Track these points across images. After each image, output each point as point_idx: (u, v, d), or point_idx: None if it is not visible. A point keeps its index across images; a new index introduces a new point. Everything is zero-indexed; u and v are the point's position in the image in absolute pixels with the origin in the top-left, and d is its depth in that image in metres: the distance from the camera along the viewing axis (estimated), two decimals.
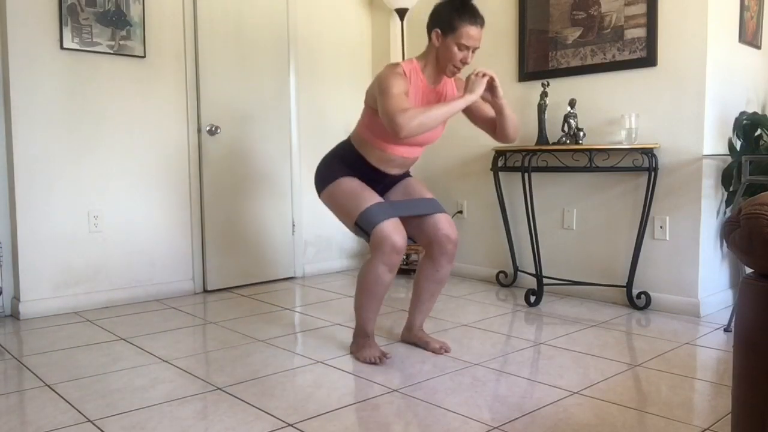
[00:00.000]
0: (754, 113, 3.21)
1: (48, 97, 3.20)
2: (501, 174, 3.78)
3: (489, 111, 2.50)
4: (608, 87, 3.39)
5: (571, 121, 3.35)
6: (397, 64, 2.38)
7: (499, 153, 3.68)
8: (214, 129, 3.75)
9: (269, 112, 4.03)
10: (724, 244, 2.57)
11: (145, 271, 3.58)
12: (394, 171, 2.55)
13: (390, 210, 2.41)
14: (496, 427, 1.86)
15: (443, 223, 2.52)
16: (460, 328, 2.96)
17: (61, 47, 3.22)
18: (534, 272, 3.44)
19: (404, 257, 4.40)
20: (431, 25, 2.39)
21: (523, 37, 3.72)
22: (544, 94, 3.46)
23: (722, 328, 2.90)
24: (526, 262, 3.80)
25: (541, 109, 3.47)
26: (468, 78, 2.34)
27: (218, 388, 2.19)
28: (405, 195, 2.59)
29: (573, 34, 3.50)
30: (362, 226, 2.37)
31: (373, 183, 2.52)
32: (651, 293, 3.25)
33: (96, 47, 3.32)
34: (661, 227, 3.24)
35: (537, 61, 3.68)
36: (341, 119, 4.46)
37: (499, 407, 2.01)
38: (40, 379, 2.29)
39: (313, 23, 4.27)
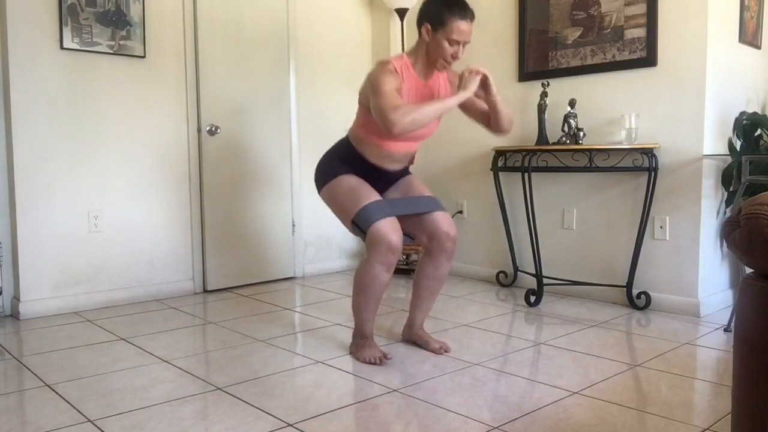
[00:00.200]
0: (754, 113, 3.21)
1: (48, 97, 3.20)
2: (501, 174, 3.78)
3: (483, 105, 2.50)
4: (608, 87, 3.39)
5: (571, 121, 3.35)
6: (387, 61, 2.36)
7: (499, 153, 3.68)
8: (214, 129, 3.75)
9: (269, 112, 4.03)
10: (724, 244, 2.57)
11: (145, 271, 3.58)
12: (393, 167, 2.55)
13: (387, 208, 2.41)
14: (496, 427, 1.86)
15: (442, 221, 2.52)
16: (460, 328, 2.96)
17: (61, 47, 3.22)
18: (534, 272, 3.44)
19: (404, 257, 4.40)
20: (421, 20, 2.37)
21: (523, 37, 3.72)
22: (544, 94, 3.46)
23: (722, 328, 2.90)
24: (526, 262, 3.80)
25: (541, 109, 3.47)
26: (461, 75, 2.34)
27: (218, 388, 2.19)
28: (404, 193, 2.59)
29: (573, 34, 3.50)
30: (359, 224, 2.37)
31: (372, 180, 2.52)
32: (651, 293, 3.25)
33: (96, 47, 3.32)
34: (661, 227, 3.24)
35: (537, 61, 3.68)
36: (341, 119, 4.46)
37: (499, 407, 2.01)
38: (40, 379, 2.29)
39: (313, 23, 4.27)
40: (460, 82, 2.32)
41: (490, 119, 2.50)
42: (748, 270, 1.27)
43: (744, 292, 1.24)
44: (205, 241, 3.78)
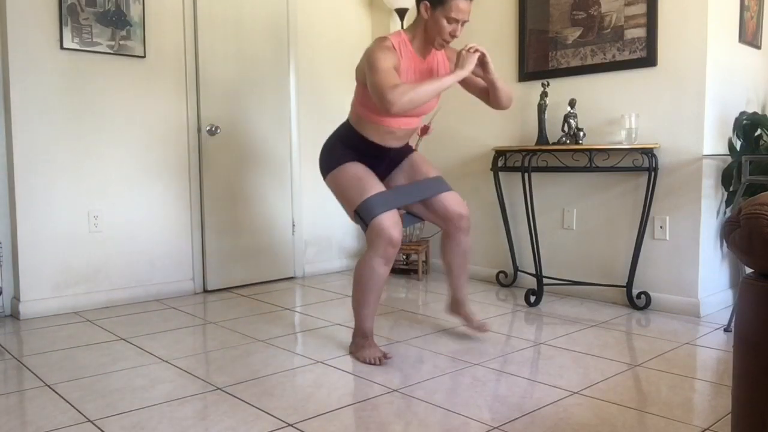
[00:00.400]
0: (754, 113, 3.21)
1: (48, 97, 3.20)
2: (501, 174, 3.78)
3: (479, 82, 2.53)
4: (608, 87, 3.39)
5: (571, 121, 3.35)
6: (385, 38, 2.36)
7: (499, 153, 3.68)
8: (214, 129, 3.75)
9: (269, 112, 4.03)
10: (724, 244, 2.57)
11: (145, 271, 3.58)
12: (394, 143, 2.55)
13: (391, 201, 2.43)
14: (496, 427, 1.86)
15: (452, 202, 2.58)
16: (460, 328, 2.95)
17: (61, 47, 3.22)
18: (534, 272, 3.44)
19: (404, 257, 4.40)
20: None
21: (523, 37, 3.72)
22: (544, 94, 3.46)
23: (722, 328, 2.90)
24: (526, 262, 3.80)
25: (541, 109, 3.47)
26: (459, 53, 2.34)
27: (218, 388, 2.19)
28: (409, 177, 2.61)
29: (573, 34, 3.50)
30: (362, 215, 2.39)
31: (377, 161, 2.54)
32: (651, 293, 3.25)
33: (96, 47, 3.32)
34: (661, 227, 3.24)
35: (537, 61, 3.67)
36: (341, 119, 4.44)
37: (499, 407, 2.01)
38: (40, 379, 2.29)
39: (313, 23, 4.27)
40: (458, 61, 2.32)
41: (488, 96, 2.53)
42: (748, 270, 1.27)
43: (744, 292, 1.24)
44: (205, 241, 3.78)
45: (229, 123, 3.83)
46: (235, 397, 2.11)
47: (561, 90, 3.54)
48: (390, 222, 2.36)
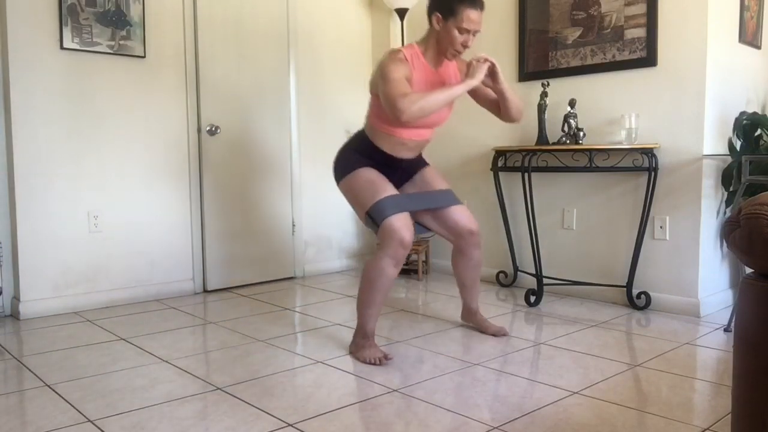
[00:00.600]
0: (754, 113, 3.21)
1: (48, 97, 3.20)
2: (501, 174, 3.78)
3: (489, 93, 2.56)
4: (608, 87, 3.39)
5: (571, 121, 3.35)
6: (398, 50, 2.40)
7: (499, 153, 3.68)
8: (214, 129, 3.75)
9: (269, 112, 4.03)
10: (724, 244, 2.57)
11: (145, 271, 3.58)
12: (407, 155, 2.59)
13: (403, 204, 2.46)
14: (496, 427, 1.86)
15: (462, 217, 2.63)
16: (460, 328, 2.96)
17: (61, 47, 3.22)
18: (534, 272, 3.44)
19: None
20: (431, 9, 2.42)
21: (523, 37, 3.72)
22: (544, 94, 3.46)
23: (722, 328, 2.90)
24: (526, 262, 3.80)
25: (541, 109, 3.47)
26: (469, 63, 2.38)
27: (218, 388, 2.19)
28: (421, 187, 2.65)
29: (573, 34, 3.50)
30: (373, 216, 2.41)
31: (389, 171, 2.56)
32: (651, 293, 3.25)
33: (96, 47, 3.32)
34: (661, 227, 3.24)
35: (537, 61, 3.67)
36: (341, 119, 4.46)
37: (499, 407, 2.01)
38: (40, 379, 2.29)
39: (313, 23, 4.27)
40: (468, 70, 2.37)
41: (498, 107, 2.56)
42: (748, 270, 1.27)
43: (744, 292, 1.24)
44: (205, 241, 3.78)
45: (229, 123, 3.83)
46: (235, 397, 2.11)
47: (561, 90, 3.54)
48: (401, 223, 2.38)
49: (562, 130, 3.38)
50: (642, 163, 3.21)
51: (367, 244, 4.65)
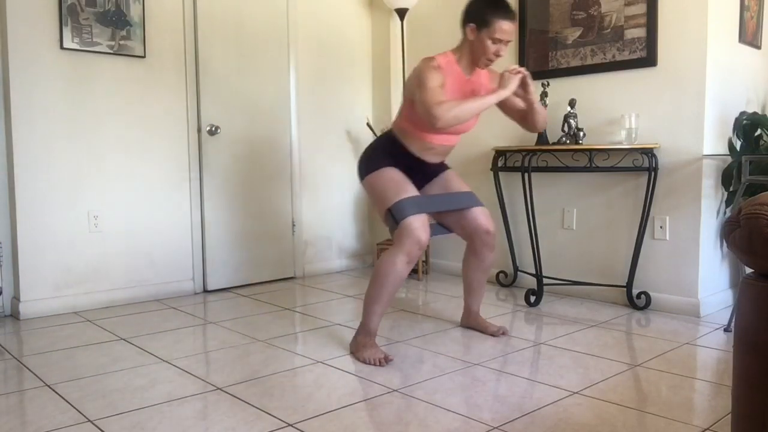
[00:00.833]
0: (754, 113, 3.21)
1: (48, 97, 3.20)
2: (501, 174, 3.78)
3: (518, 103, 2.63)
4: (608, 87, 3.39)
5: (571, 121, 3.35)
6: (432, 58, 2.50)
7: (499, 153, 3.68)
8: (214, 129, 3.75)
9: (269, 112, 4.03)
10: (724, 244, 2.57)
11: (145, 271, 3.58)
12: (433, 159, 2.68)
13: (423, 205, 2.54)
14: (496, 427, 1.86)
15: (481, 217, 2.70)
16: (460, 328, 2.96)
17: (61, 47, 3.22)
18: (534, 272, 3.44)
19: None
20: (466, 20, 2.52)
21: (523, 37, 3.72)
22: (544, 94, 3.46)
23: (722, 328, 2.90)
24: (526, 262, 3.80)
25: None
26: (502, 74, 2.47)
27: (218, 388, 2.19)
28: (443, 189, 2.72)
29: (573, 34, 3.50)
30: (394, 213, 2.48)
31: (413, 172, 2.64)
32: (651, 293, 3.25)
33: (96, 47, 3.32)
34: (661, 227, 3.24)
35: (537, 61, 3.67)
36: (341, 119, 4.47)
37: (499, 407, 2.01)
38: (40, 379, 2.29)
39: (313, 23, 4.27)
40: (501, 82, 2.46)
41: (525, 117, 2.65)
42: (748, 270, 1.27)
43: (744, 292, 1.24)
44: (205, 241, 3.78)
45: (229, 123, 3.83)
46: (235, 397, 2.11)
47: (561, 90, 3.54)
48: (419, 223, 2.45)
49: (562, 130, 3.38)
50: (642, 163, 3.21)
51: (367, 244, 4.65)
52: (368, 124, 4.43)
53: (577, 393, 2.12)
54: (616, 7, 3.31)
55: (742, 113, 3.20)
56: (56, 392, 2.16)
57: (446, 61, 2.52)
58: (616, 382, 2.23)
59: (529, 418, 1.92)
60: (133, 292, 3.52)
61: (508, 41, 2.48)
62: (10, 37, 3.08)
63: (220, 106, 3.78)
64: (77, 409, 2.01)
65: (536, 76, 3.65)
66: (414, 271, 4.24)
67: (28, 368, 2.42)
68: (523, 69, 2.47)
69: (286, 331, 2.94)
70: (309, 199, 4.29)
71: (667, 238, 3.22)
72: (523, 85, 2.49)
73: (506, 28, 2.43)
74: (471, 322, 2.91)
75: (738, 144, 3.21)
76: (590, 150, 3.22)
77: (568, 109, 3.36)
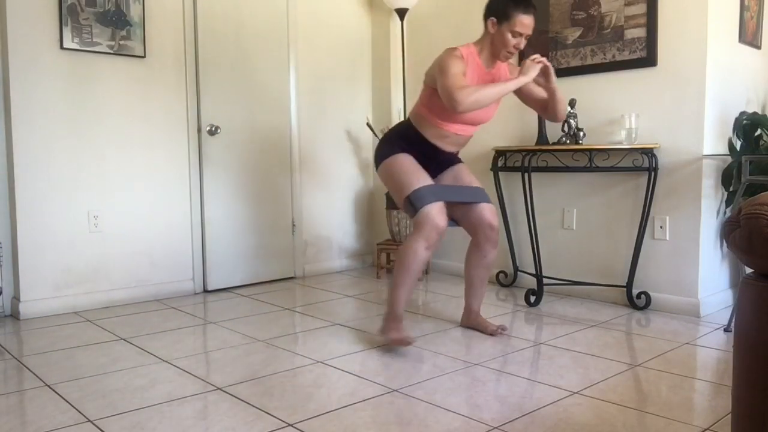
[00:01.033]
0: (754, 113, 3.21)
1: (48, 97, 3.20)
2: (501, 174, 3.78)
3: (539, 92, 2.71)
4: (608, 87, 3.39)
5: (571, 121, 3.35)
6: (455, 48, 2.57)
7: (499, 153, 3.68)
8: (214, 129, 3.75)
9: (269, 111, 4.03)
10: (724, 244, 2.57)
11: (145, 271, 3.58)
12: (448, 147, 2.75)
13: (440, 193, 2.62)
14: (496, 427, 1.86)
15: (487, 212, 2.75)
16: (460, 328, 2.96)
17: (61, 47, 3.22)
18: (534, 272, 3.44)
19: None
20: (487, 14, 2.60)
21: None
22: None
23: (722, 328, 2.90)
24: (526, 262, 3.80)
25: None
26: (523, 62, 2.56)
27: (218, 388, 2.19)
28: (455, 180, 2.79)
29: (573, 34, 3.50)
30: (413, 201, 2.57)
31: (427, 160, 2.71)
32: (651, 293, 3.25)
33: (96, 47, 3.32)
34: (661, 227, 3.24)
35: (537, 52, 3.66)
36: (341, 119, 4.47)
37: (499, 407, 2.01)
38: (40, 379, 2.29)
39: (313, 23, 4.27)
40: (522, 68, 2.54)
41: (545, 107, 2.72)
42: (748, 270, 1.27)
43: (744, 292, 1.24)
44: (205, 241, 3.78)
45: (229, 123, 3.83)
46: (235, 397, 2.11)
47: (561, 90, 3.53)
48: (437, 210, 2.54)
49: (562, 130, 3.38)
50: (642, 163, 3.21)
51: (367, 244, 4.65)
52: (368, 124, 4.43)
53: (577, 393, 2.12)
54: (616, 7, 3.31)
55: (742, 113, 3.20)
56: (56, 392, 2.16)
57: (468, 52, 2.59)
58: (616, 382, 2.23)
59: (529, 418, 1.92)
60: (133, 292, 3.52)
61: (528, 35, 2.56)
62: (10, 37, 3.08)
63: (220, 106, 3.78)
64: (77, 409, 2.01)
65: None
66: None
67: (28, 368, 2.42)
68: (544, 59, 2.55)
69: (286, 331, 2.94)
70: (309, 199, 4.28)
71: (667, 238, 3.22)
72: (545, 74, 2.57)
73: (526, 22, 2.52)
74: (471, 322, 2.92)
75: (738, 144, 3.21)
76: (590, 150, 3.22)
77: (568, 109, 3.36)
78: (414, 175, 2.62)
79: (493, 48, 2.61)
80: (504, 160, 3.70)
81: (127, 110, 3.46)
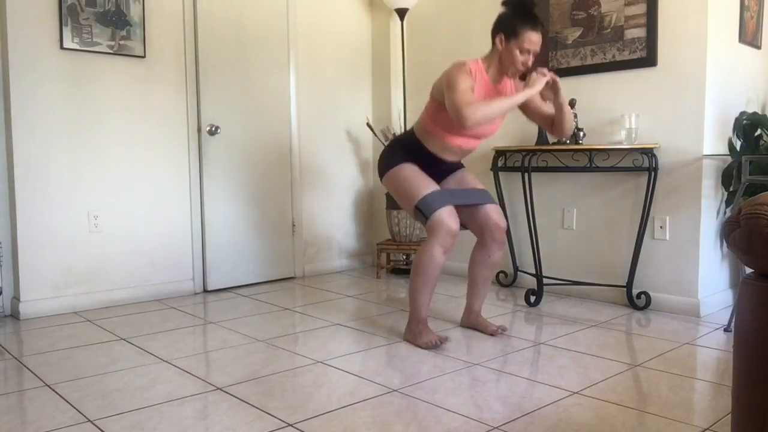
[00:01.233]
0: (754, 113, 3.21)
1: (48, 97, 3.20)
2: (501, 174, 3.78)
3: (546, 108, 2.72)
4: (608, 87, 3.39)
5: None
6: (464, 63, 2.57)
7: (499, 153, 3.68)
8: (214, 129, 3.75)
9: (269, 112, 4.03)
10: (724, 244, 2.57)
11: (145, 271, 3.58)
12: (451, 158, 2.77)
13: (447, 198, 2.66)
14: (496, 427, 1.86)
15: (493, 213, 2.78)
16: (460, 328, 2.96)
17: (61, 47, 3.22)
18: (534, 272, 3.44)
19: (404, 257, 4.40)
20: (495, 31, 2.61)
21: None
22: None
23: (722, 328, 2.90)
24: (526, 262, 3.80)
25: None
26: (530, 75, 2.56)
27: (218, 388, 2.19)
28: (459, 185, 2.81)
29: (573, 34, 3.50)
30: (422, 210, 2.60)
31: (430, 169, 2.74)
32: (651, 293, 3.25)
33: (96, 47, 3.32)
34: (661, 227, 3.24)
35: (537, 61, 3.66)
36: (341, 119, 4.47)
37: (499, 407, 2.01)
38: (40, 379, 2.29)
39: (313, 23, 4.27)
40: (529, 81, 2.54)
41: (551, 122, 2.72)
42: (748, 270, 1.27)
43: (744, 292, 1.24)
44: (205, 241, 3.78)
45: (229, 123, 3.83)
46: (235, 397, 2.11)
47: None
48: (448, 214, 2.57)
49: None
50: (642, 163, 3.21)
51: (367, 244, 4.65)
52: (368, 124, 4.43)
53: (577, 393, 2.12)
54: (616, 7, 3.31)
55: (742, 113, 3.20)
56: (56, 392, 2.16)
57: (477, 68, 2.59)
58: (616, 382, 2.23)
59: (529, 418, 1.92)
60: (133, 292, 3.52)
61: (536, 52, 2.57)
62: (10, 37, 3.08)
63: (220, 106, 3.78)
64: (77, 409, 2.01)
65: None
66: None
67: (28, 368, 2.42)
68: (550, 73, 2.55)
69: (286, 331, 2.94)
70: (309, 199, 4.29)
71: (667, 238, 3.22)
72: (553, 88, 2.58)
73: (534, 39, 2.53)
74: (471, 322, 2.92)
75: (738, 144, 3.21)
76: (590, 150, 3.22)
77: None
78: (420, 182, 2.64)
79: (501, 65, 2.61)
80: (504, 160, 3.70)
81: (127, 110, 3.46)
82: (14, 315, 3.22)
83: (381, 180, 2.80)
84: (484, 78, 2.62)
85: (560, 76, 3.52)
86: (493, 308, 3.33)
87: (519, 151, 3.46)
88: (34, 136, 3.17)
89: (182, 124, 3.67)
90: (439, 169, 2.77)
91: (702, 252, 3.12)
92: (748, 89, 3.39)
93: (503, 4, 2.62)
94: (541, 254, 3.50)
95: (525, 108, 2.73)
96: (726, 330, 2.87)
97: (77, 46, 3.26)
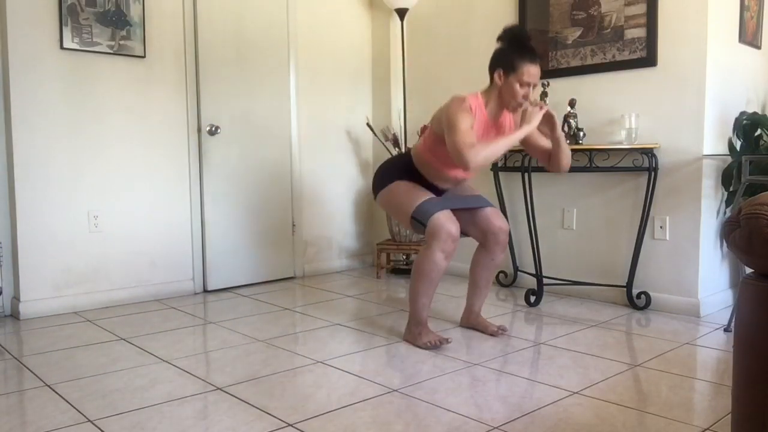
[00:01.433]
0: (754, 113, 3.21)
1: (48, 97, 3.20)
2: (501, 174, 3.78)
3: (543, 143, 2.70)
4: (608, 87, 3.39)
5: (571, 121, 3.35)
6: (464, 99, 2.55)
7: None
8: (214, 129, 3.75)
9: (269, 111, 4.03)
10: (724, 244, 2.57)
11: (145, 271, 3.58)
12: (444, 185, 2.78)
13: (443, 203, 2.63)
14: (496, 427, 1.86)
15: (494, 216, 2.77)
16: (460, 328, 2.96)
17: (61, 47, 3.22)
18: (534, 272, 3.44)
19: (404, 257, 4.40)
20: (494, 66, 2.59)
21: None
22: (544, 94, 3.46)
23: (722, 328, 2.90)
24: (526, 262, 3.80)
25: None
26: (525, 110, 2.53)
27: (218, 388, 2.19)
28: (454, 193, 2.81)
29: (573, 34, 3.50)
30: (419, 218, 2.59)
31: (425, 188, 2.73)
32: (651, 293, 3.25)
33: (96, 47, 3.32)
34: (661, 227, 3.24)
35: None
36: (341, 119, 4.47)
37: (499, 407, 2.01)
38: (40, 379, 2.29)
39: (313, 23, 4.27)
40: (524, 117, 2.51)
41: (549, 157, 2.70)
42: (748, 270, 1.27)
43: (744, 292, 1.24)
44: (205, 241, 3.78)
45: (229, 123, 3.83)
46: (235, 397, 2.11)
47: (561, 90, 3.54)
48: (446, 218, 2.54)
49: (562, 130, 3.37)
50: (642, 163, 3.21)
51: (367, 244, 4.65)
52: (368, 125, 4.43)
53: (577, 393, 2.12)
54: (616, 7, 3.31)
55: (742, 113, 3.20)
56: (56, 392, 2.16)
57: (476, 105, 2.58)
58: (616, 382, 2.23)
59: (529, 418, 1.92)
60: (133, 292, 3.52)
61: (535, 85, 2.56)
62: (10, 37, 3.08)
63: (220, 106, 3.78)
64: (77, 409, 2.01)
65: None
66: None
67: (28, 368, 2.42)
68: (545, 105, 2.53)
69: (286, 331, 2.94)
70: (309, 199, 4.29)
71: (667, 238, 3.22)
72: (549, 123, 2.56)
73: (533, 71, 2.51)
74: (471, 322, 2.92)
75: (738, 144, 3.21)
76: (590, 150, 3.22)
77: (568, 109, 3.36)
78: (414, 194, 2.64)
79: (501, 99, 2.60)
80: (504, 160, 3.70)
81: (127, 110, 3.46)
82: (14, 315, 3.22)
83: (375, 199, 2.80)
84: (483, 114, 2.60)
85: (560, 76, 3.56)
86: (493, 308, 3.33)
87: (519, 151, 3.45)
88: (34, 136, 3.17)
89: (182, 124, 3.67)
90: (435, 191, 2.76)
91: (702, 252, 3.12)
92: (748, 89, 3.39)
93: (499, 39, 2.60)
94: (541, 254, 3.50)
95: (524, 143, 2.72)
96: (726, 330, 2.87)
97: (77, 46, 3.26)
